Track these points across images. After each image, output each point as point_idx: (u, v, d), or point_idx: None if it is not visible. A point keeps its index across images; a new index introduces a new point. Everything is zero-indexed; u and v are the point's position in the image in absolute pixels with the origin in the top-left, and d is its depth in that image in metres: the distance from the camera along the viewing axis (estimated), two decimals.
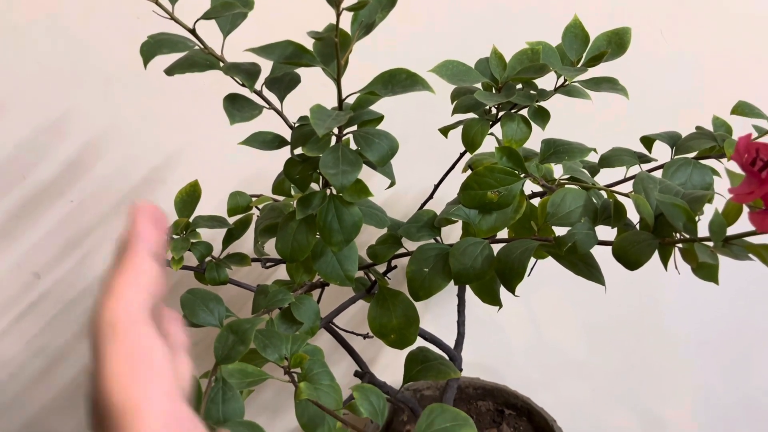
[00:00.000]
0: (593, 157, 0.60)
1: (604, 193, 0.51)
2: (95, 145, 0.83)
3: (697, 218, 0.40)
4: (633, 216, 0.49)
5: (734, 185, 0.32)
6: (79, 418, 1.01)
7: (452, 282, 0.52)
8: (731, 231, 0.40)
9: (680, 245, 0.42)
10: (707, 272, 0.41)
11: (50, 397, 0.99)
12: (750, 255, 0.38)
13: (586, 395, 0.99)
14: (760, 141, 0.30)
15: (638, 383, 0.99)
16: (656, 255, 0.44)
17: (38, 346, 0.95)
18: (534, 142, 0.58)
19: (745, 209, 0.36)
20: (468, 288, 0.74)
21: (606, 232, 0.50)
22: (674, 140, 0.58)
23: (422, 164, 0.74)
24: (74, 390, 0.98)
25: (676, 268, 0.42)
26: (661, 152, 0.60)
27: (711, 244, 0.39)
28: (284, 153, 0.58)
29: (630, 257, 0.42)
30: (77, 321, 0.93)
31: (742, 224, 0.40)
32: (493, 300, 0.56)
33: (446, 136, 0.62)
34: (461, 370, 0.73)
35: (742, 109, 0.54)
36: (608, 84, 0.51)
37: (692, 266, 0.40)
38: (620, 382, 0.99)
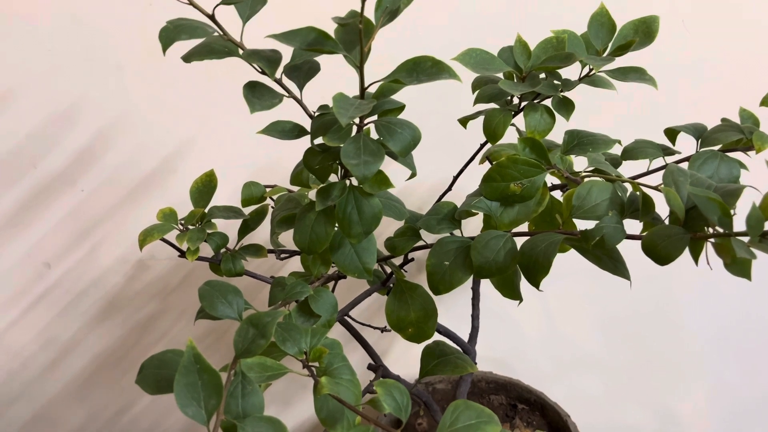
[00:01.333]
0: (616, 150, 0.59)
1: (629, 186, 0.50)
2: (106, 134, 0.82)
3: (732, 213, 0.38)
4: (659, 210, 0.48)
5: None
6: (88, 409, 1.00)
7: (470, 278, 0.52)
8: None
9: (713, 240, 0.40)
10: (741, 267, 0.40)
11: (60, 387, 0.98)
12: None
13: (600, 390, 0.99)
14: None
15: (652, 378, 0.98)
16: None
17: (48, 336, 0.94)
18: (554, 134, 0.57)
19: None
20: (482, 281, 0.73)
21: (630, 227, 0.49)
22: (699, 132, 0.57)
23: (438, 155, 0.73)
24: (84, 381, 0.98)
25: (708, 263, 0.41)
26: (685, 145, 0.58)
27: (747, 238, 0.38)
28: (298, 144, 0.57)
29: (660, 252, 0.41)
30: (87, 311, 0.92)
31: None
32: (513, 294, 0.55)
33: (465, 127, 0.61)
34: (475, 364, 0.72)
35: None
36: (636, 74, 0.50)
37: (726, 261, 0.39)
38: (634, 377, 0.98)
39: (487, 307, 0.81)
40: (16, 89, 0.79)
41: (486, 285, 0.73)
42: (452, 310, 0.88)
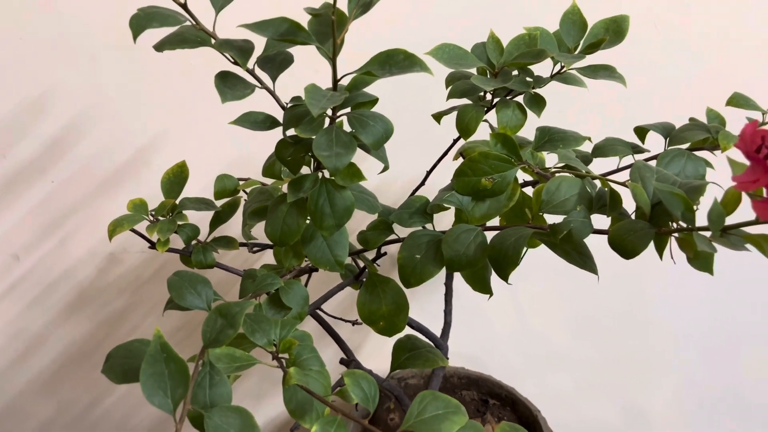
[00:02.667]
0: (586, 147, 0.59)
1: (598, 183, 0.51)
2: (78, 125, 0.81)
3: (695, 208, 0.39)
4: (627, 206, 0.49)
5: (736, 173, 0.31)
6: (58, 402, 0.99)
7: (443, 269, 0.52)
8: (729, 221, 0.39)
9: (677, 234, 0.41)
10: (703, 262, 0.41)
11: (29, 380, 0.97)
12: (747, 245, 0.38)
13: (570, 386, 1.00)
14: (766, 129, 0.29)
15: (622, 375, 0.99)
16: (651, 247, 0.44)
17: (17, 329, 0.93)
18: (526, 131, 0.58)
19: (745, 199, 0.36)
20: (455, 278, 0.73)
21: (599, 222, 0.50)
22: (668, 131, 0.58)
23: (412, 152, 0.73)
24: (52, 374, 0.97)
25: (672, 257, 0.42)
26: (654, 143, 0.59)
27: (709, 233, 0.38)
28: (272, 137, 0.57)
29: (626, 246, 0.42)
30: (57, 304, 0.91)
31: (739, 215, 0.40)
32: (484, 288, 0.55)
33: (439, 122, 0.61)
34: (447, 359, 0.73)
35: (737, 100, 0.54)
36: (606, 71, 0.51)
37: (689, 255, 0.40)
38: (604, 373, 0.99)
39: (460, 304, 0.81)
40: None
41: (459, 282, 0.74)
42: (425, 307, 0.88)
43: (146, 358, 0.36)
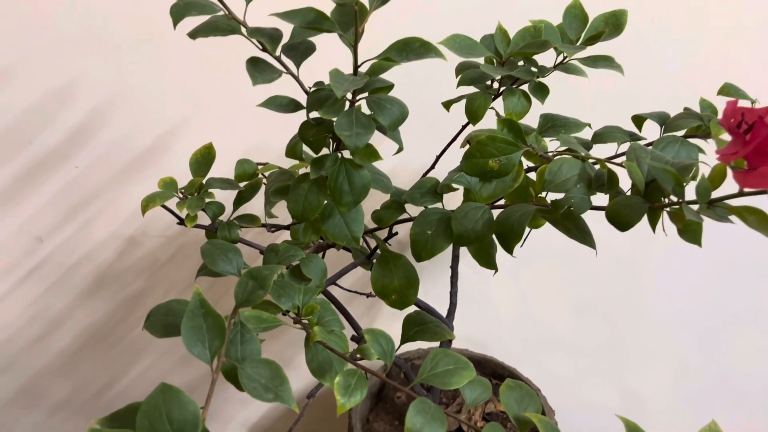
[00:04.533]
0: (586, 135, 0.63)
1: (597, 165, 0.55)
2: (102, 112, 0.85)
3: (684, 184, 0.43)
4: (624, 186, 0.52)
5: (720, 147, 0.35)
6: (75, 382, 1.03)
7: (449, 249, 0.56)
8: (715, 195, 0.43)
9: (668, 209, 0.45)
10: (692, 234, 0.45)
11: (47, 360, 1.01)
12: (731, 217, 0.41)
13: (569, 370, 1.04)
14: (745, 106, 0.33)
15: (619, 360, 1.03)
16: (649, 234, 0.48)
17: (38, 309, 0.97)
18: (530, 119, 0.62)
19: (729, 173, 0.40)
20: (460, 261, 0.77)
21: (597, 203, 0.54)
22: (663, 119, 0.62)
23: (421, 140, 0.77)
24: (72, 354, 1.00)
25: (664, 230, 0.46)
26: (651, 132, 0.63)
27: (697, 206, 0.42)
28: (286, 126, 0.61)
29: (622, 218, 0.45)
30: (77, 286, 0.95)
31: (724, 190, 0.44)
32: (489, 264, 0.59)
33: (448, 110, 0.65)
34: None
35: (728, 90, 0.58)
36: (605, 62, 0.55)
37: (678, 227, 0.44)
38: (602, 358, 1.03)
39: (465, 289, 0.85)
40: (15, 66, 0.82)
41: (464, 267, 0.78)
42: (432, 291, 0.92)
43: (187, 313, 0.40)
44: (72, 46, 0.81)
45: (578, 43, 0.56)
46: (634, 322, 1.01)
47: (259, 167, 0.70)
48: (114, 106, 0.84)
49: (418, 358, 0.92)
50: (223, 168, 0.70)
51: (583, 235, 0.52)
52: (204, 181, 0.59)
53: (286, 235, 0.82)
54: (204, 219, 0.61)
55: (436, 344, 0.78)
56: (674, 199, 0.44)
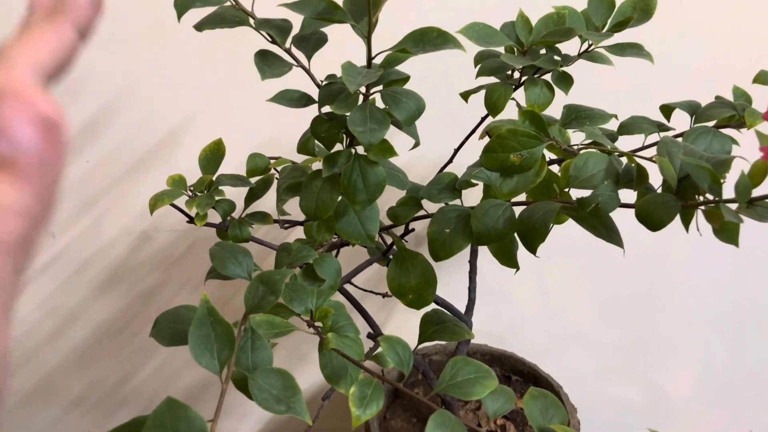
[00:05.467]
0: (612, 126, 0.60)
1: (624, 159, 0.52)
2: (112, 107, 0.83)
3: (722, 181, 0.40)
4: (653, 182, 0.50)
5: (764, 144, 0.33)
6: (89, 378, 1.02)
7: (469, 245, 0.53)
8: (755, 193, 0.40)
9: (703, 207, 0.42)
10: (729, 234, 0.42)
11: (62, 356, 1.00)
12: None
13: (591, 366, 1.01)
14: None
15: (643, 355, 1.00)
16: (674, 227, 0.45)
17: (51, 306, 0.96)
18: (552, 110, 0.59)
19: None
20: (479, 255, 0.75)
21: (624, 198, 0.51)
22: (694, 109, 0.59)
23: (438, 133, 0.74)
24: (86, 350, 1.00)
25: (698, 230, 0.43)
26: (680, 122, 0.60)
27: (735, 205, 0.40)
28: (297, 119, 0.59)
29: (653, 218, 0.43)
30: (91, 282, 0.94)
31: (765, 188, 0.41)
32: (511, 262, 0.57)
33: (466, 101, 0.63)
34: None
35: (764, 78, 0.54)
36: (633, 49, 0.52)
37: (715, 227, 0.41)
38: (625, 353, 1.00)
39: (484, 283, 0.83)
40: None
41: (483, 260, 0.75)
42: (450, 286, 0.90)
43: (194, 321, 0.39)
44: None
45: (604, 30, 0.53)
46: (658, 316, 0.98)
47: (272, 162, 0.68)
48: (123, 101, 0.82)
49: (435, 353, 0.90)
50: (234, 162, 0.68)
51: (610, 234, 0.50)
52: (214, 178, 0.58)
53: (299, 231, 0.80)
54: (214, 217, 0.59)
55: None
56: (710, 197, 0.41)
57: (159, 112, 0.83)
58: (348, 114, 0.46)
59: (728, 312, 0.97)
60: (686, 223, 0.43)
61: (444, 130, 0.73)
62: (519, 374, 0.88)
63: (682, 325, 0.98)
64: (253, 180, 0.62)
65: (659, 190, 0.47)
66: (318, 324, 0.48)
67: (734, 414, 1.03)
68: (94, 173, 0.86)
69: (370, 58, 0.46)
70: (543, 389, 0.43)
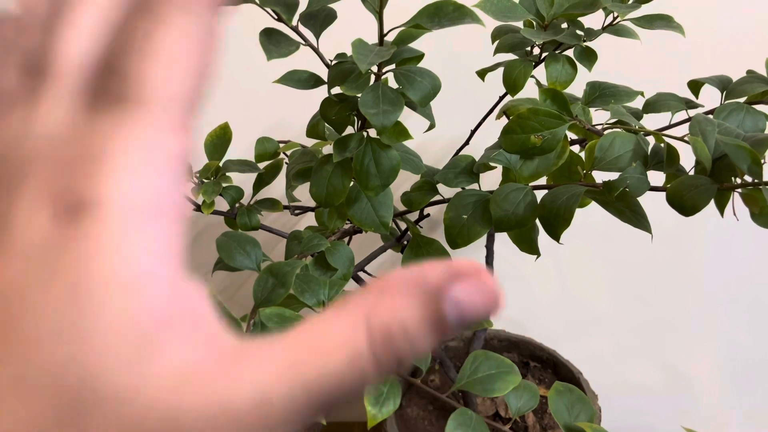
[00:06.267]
0: (637, 104, 0.57)
1: (651, 139, 0.49)
2: None
3: (762, 161, 0.38)
4: (683, 162, 0.47)
5: None
6: None
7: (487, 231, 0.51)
8: None
9: (740, 190, 0.40)
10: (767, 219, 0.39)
11: None
12: None
13: (611, 350, 0.99)
14: None
15: (664, 339, 0.98)
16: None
17: None
18: (574, 88, 0.56)
19: None
20: (496, 240, 0.73)
21: (651, 180, 0.48)
22: (724, 84, 0.55)
23: (454, 113, 0.71)
24: None
25: (734, 214, 0.40)
26: (709, 98, 0.57)
27: None
28: (307, 101, 0.56)
29: (686, 203, 0.40)
30: None
31: None
32: (531, 249, 0.54)
33: (483, 79, 0.60)
34: (491, 321, 0.72)
35: None
36: (662, 21, 0.49)
37: (753, 211, 0.38)
38: (646, 337, 0.98)
39: (501, 268, 0.80)
40: None
41: (499, 245, 0.73)
42: None
43: None
44: None
45: (631, 1, 0.50)
46: (679, 298, 0.96)
47: (281, 146, 0.65)
48: None
49: (452, 339, 0.88)
50: (241, 148, 0.66)
51: (638, 219, 0.47)
52: (221, 164, 0.55)
53: (310, 217, 0.78)
54: (222, 205, 0.57)
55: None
56: (748, 179, 0.39)
57: None
58: (359, 95, 0.44)
59: (750, 294, 0.94)
60: (721, 208, 0.41)
61: (459, 111, 0.70)
62: (537, 360, 0.86)
63: (703, 307, 0.96)
64: (262, 165, 0.60)
65: (691, 173, 0.44)
66: None
67: (757, 398, 1.00)
68: None
69: (381, 35, 0.43)
70: (568, 384, 0.41)
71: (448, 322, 0.16)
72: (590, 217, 0.75)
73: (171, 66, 0.15)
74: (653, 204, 0.47)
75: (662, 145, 0.46)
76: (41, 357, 0.13)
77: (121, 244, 0.14)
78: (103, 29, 0.15)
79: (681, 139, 0.45)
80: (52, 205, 0.14)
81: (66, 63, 0.15)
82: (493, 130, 0.54)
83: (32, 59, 0.15)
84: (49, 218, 0.14)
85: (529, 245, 0.54)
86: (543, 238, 0.50)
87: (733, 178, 0.40)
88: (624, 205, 0.47)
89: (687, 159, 0.46)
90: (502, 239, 0.64)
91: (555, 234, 0.46)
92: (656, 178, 0.49)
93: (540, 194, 0.49)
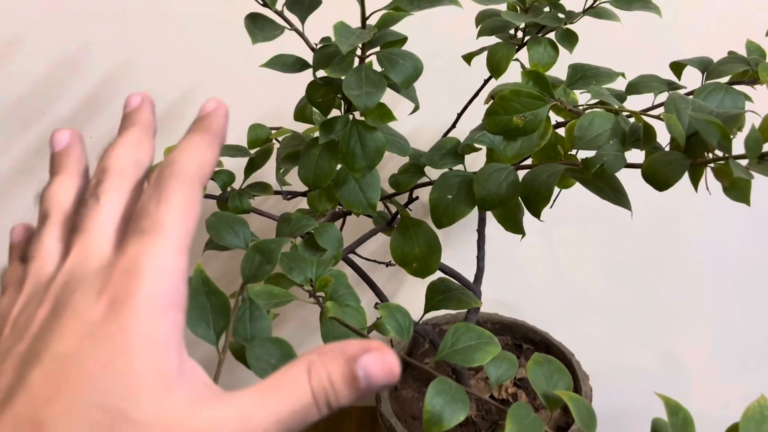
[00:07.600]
0: (620, 85, 0.58)
1: (632, 119, 0.50)
2: (112, 81, 0.82)
3: (731, 137, 0.39)
4: (661, 141, 0.48)
5: None
6: None
7: (475, 211, 0.52)
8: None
9: (712, 165, 0.41)
10: (740, 192, 0.40)
11: None
12: None
13: (604, 332, 1.00)
14: None
15: (656, 320, 0.99)
16: (685, 188, 0.43)
17: None
18: (557, 71, 0.57)
19: None
20: (487, 224, 0.74)
21: (633, 159, 0.49)
22: (705, 65, 0.56)
23: (442, 98, 0.73)
24: None
25: (707, 188, 0.41)
26: (691, 80, 0.58)
27: (746, 161, 0.38)
28: (301, 87, 0.58)
29: (660, 177, 0.41)
30: None
31: None
32: (516, 228, 0.56)
33: (469, 64, 0.61)
34: (481, 302, 0.73)
35: None
36: (640, 3, 0.50)
37: (724, 185, 0.40)
38: (638, 319, 0.99)
39: (494, 251, 0.81)
40: (22, 35, 0.79)
41: (491, 229, 0.74)
42: (458, 255, 0.89)
43: (189, 292, 0.38)
44: (77, 13, 0.78)
45: None
46: (672, 280, 0.97)
47: (273, 132, 0.66)
48: (123, 74, 0.81)
49: (446, 323, 0.89)
50: (234, 134, 0.67)
51: (617, 196, 0.48)
52: None
53: (303, 202, 0.79)
54: (214, 189, 0.58)
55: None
56: (719, 153, 0.40)
57: (159, 85, 0.82)
58: (343, 77, 0.45)
59: (743, 274, 0.95)
60: (695, 182, 0.42)
61: (448, 96, 0.71)
62: (530, 342, 0.87)
63: (695, 288, 0.96)
64: (253, 151, 0.61)
65: (667, 149, 0.46)
66: (320, 294, 0.47)
67: (753, 379, 1.01)
68: (98, 149, 0.85)
69: (364, 18, 0.45)
70: (547, 355, 0.42)
71: (359, 382, 0.23)
72: (581, 201, 0.76)
73: (176, 212, 0.24)
74: (646, 186, 0.48)
75: (640, 123, 0.47)
76: (91, 392, 0.20)
77: (145, 324, 0.21)
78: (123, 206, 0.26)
79: (658, 117, 0.46)
80: (100, 299, 0.22)
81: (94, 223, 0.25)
82: (481, 113, 0.55)
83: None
84: (98, 307, 0.22)
85: (513, 225, 0.55)
86: (537, 223, 0.52)
87: (705, 153, 0.41)
88: (604, 183, 0.48)
89: (666, 137, 0.47)
90: (494, 224, 0.66)
91: (535, 211, 0.47)
92: (638, 157, 0.50)
93: (523, 174, 0.50)
